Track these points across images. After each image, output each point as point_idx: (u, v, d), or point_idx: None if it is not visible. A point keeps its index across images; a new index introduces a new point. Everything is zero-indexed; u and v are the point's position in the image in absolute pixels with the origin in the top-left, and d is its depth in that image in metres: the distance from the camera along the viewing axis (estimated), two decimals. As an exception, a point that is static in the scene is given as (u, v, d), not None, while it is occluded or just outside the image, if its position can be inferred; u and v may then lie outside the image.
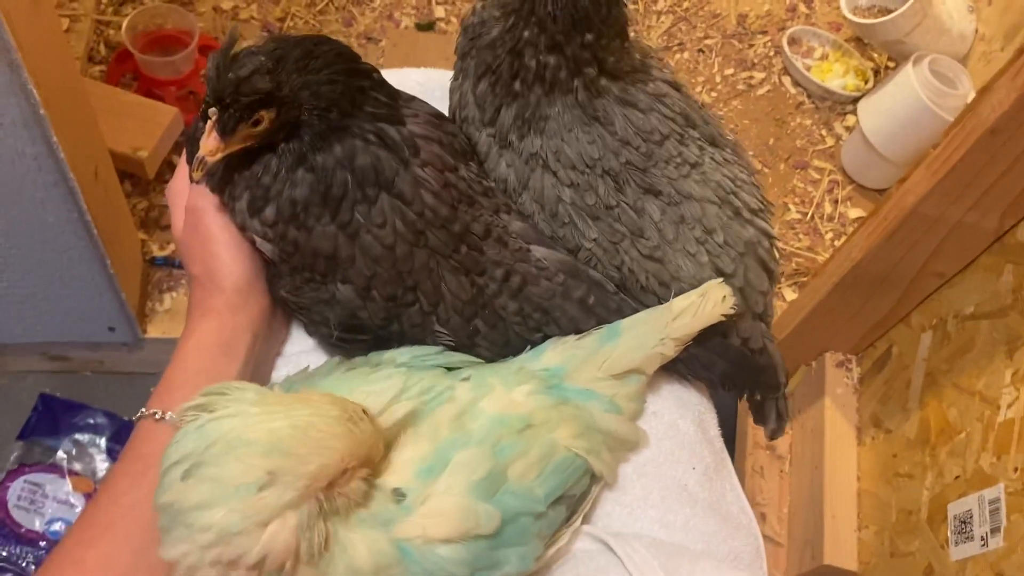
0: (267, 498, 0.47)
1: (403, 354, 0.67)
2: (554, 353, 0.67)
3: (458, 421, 0.60)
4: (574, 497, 0.65)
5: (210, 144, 0.57)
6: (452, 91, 0.72)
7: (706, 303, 0.67)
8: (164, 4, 1.75)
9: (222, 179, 0.63)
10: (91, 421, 1.51)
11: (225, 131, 0.56)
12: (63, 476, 1.46)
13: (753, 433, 1.52)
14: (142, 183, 1.62)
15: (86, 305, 1.35)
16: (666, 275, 0.69)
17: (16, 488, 1.44)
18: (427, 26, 1.97)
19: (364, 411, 0.53)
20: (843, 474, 1.37)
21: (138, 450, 0.62)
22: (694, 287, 0.69)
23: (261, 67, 0.56)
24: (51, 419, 1.50)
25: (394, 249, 0.63)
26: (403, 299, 0.65)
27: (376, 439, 0.53)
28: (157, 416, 0.62)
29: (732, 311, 0.68)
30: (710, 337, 0.69)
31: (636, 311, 0.69)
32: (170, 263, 1.57)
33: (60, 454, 1.47)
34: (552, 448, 0.63)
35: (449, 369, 0.67)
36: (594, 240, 0.68)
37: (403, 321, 0.66)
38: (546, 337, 0.70)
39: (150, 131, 1.53)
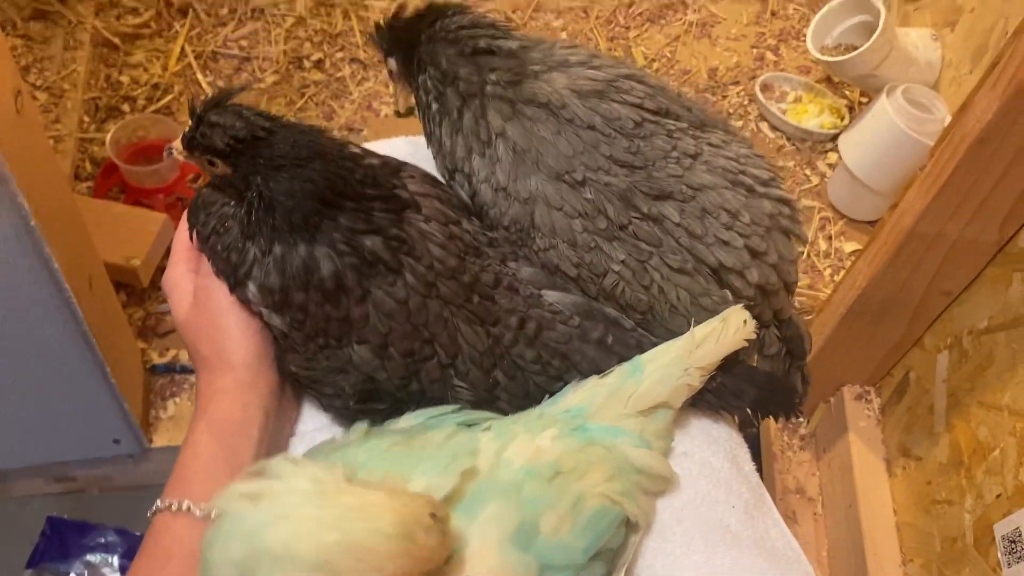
0: None
1: (418, 417, 0.65)
2: (575, 394, 0.65)
3: (486, 473, 0.58)
4: (611, 551, 0.63)
5: (178, 144, 0.61)
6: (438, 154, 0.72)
7: (727, 328, 0.66)
8: (146, 115, 1.78)
9: (229, 261, 0.63)
10: (102, 540, 1.46)
11: (186, 145, 0.61)
12: (76, 601, 1.40)
13: (781, 479, 1.49)
14: (137, 292, 1.61)
15: (89, 419, 1.32)
16: (699, 286, 0.68)
17: (29, 619, 1.39)
18: (407, 112, 2.00)
19: (434, 515, 0.49)
20: (879, 509, 1.33)
21: (156, 544, 0.59)
22: (739, 274, 0.68)
23: (230, 129, 0.58)
24: (60, 542, 1.46)
25: (407, 303, 0.62)
26: (421, 353, 0.63)
27: (440, 547, 0.49)
28: (174, 508, 0.60)
29: (754, 335, 0.67)
30: (736, 364, 0.68)
31: (656, 344, 0.67)
32: (171, 369, 1.54)
33: (72, 578, 1.42)
34: (583, 497, 0.60)
35: (469, 427, 0.65)
36: (622, 262, 0.67)
37: (422, 378, 0.64)
38: (566, 383, 0.68)
39: (141, 240, 1.54)
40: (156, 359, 1.56)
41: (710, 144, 0.70)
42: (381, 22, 0.73)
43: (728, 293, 0.70)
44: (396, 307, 0.62)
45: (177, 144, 0.61)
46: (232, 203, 0.61)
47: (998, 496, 1.07)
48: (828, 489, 1.45)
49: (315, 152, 0.59)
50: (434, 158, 0.74)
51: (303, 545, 0.45)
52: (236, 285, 0.62)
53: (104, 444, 1.39)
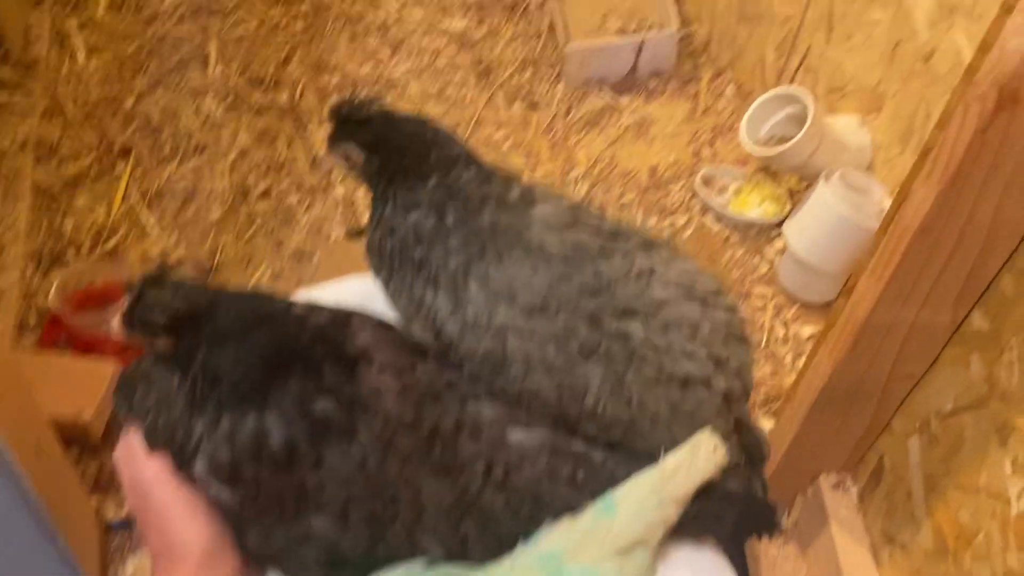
0: None
1: None
2: (549, 537, 0.63)
3: None
4: None
5: (116, 322, 0.58)
6: (396, 298, 0.71)
7: (698, 457, 0.64)
8: (92, 261, 1.75)
9: (174, 439, 0.60)
10: None
11: (125, 324, 0.58)
12: None
13: (767, 578, 1.45)
14: (90, 445, 1.55)
15: (42, 590, 1.25)
16: (676, 393, 0.67)
17: None
18: (357, 233, 2.00)
19: None
20: (871, 602, 1.30)
21: None
22: (705, 386, 0.68)
23: (170, 306, 0.56)
24: None
25: (365, 464, 0.60)
26: (384, 515, 0.61)
27: None
28: None
29: (725, 461, 0.66)
30: (713, 488, 0.66)
31: (628, 474, 0.65)
32: (129, 524, 1.48)
33: None
34: None
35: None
36: (599, 380, 0.66)
37: (389, 540, 0.61)
38: (539, 526, 0.65)
39: (91, 391, 1.49)
40: (113, 514, 1.50)
41: (660, 261, 0.72)
42: (365, 112, 0.69)
43: (705, 393, 0.69)
44: (353, 470, 0.59)
45: (115, 323, 0.59)
46: (174, 377, 0.59)
47: (989, 582, 1.05)
48: (817, 584, 1.42)
49: (259, 318, 0.58)
50: (389, 296, 0.72)
51: None
52: (183, 464, 0.59)
53: (60, 614, 1.31)
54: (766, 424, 1.71)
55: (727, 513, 0.68)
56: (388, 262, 0.71)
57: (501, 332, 0.65)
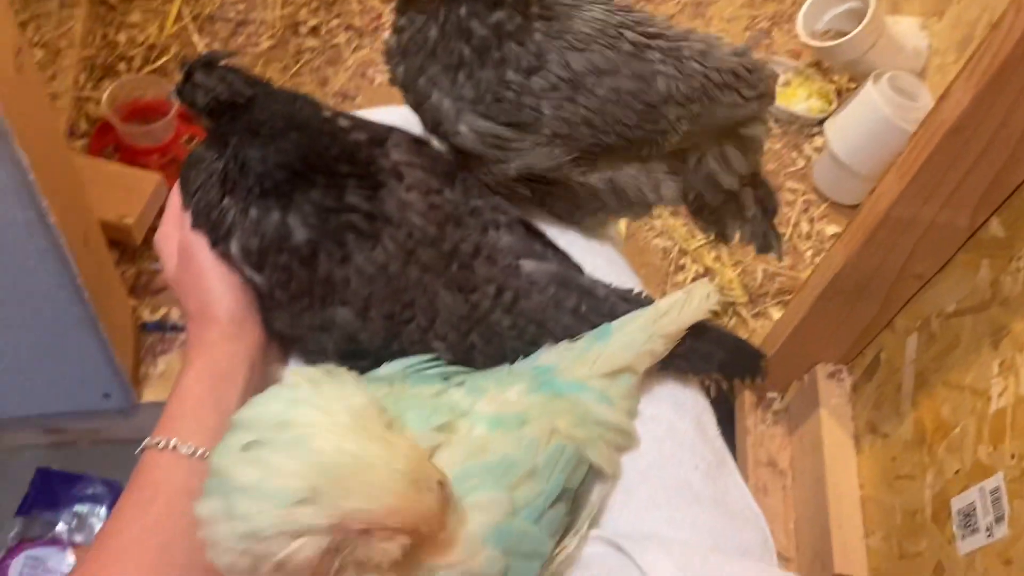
0: (299, 514, 0.47)
1: (398, 365, 0.68)
2: (546, 355, 0.69)
3: (467, 444, 0.60)
4: (571, 491, 0.64)
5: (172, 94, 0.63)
6: (427, 113, 0.73)
7: (691, 300, 0.69)
8: (142, 76, 1.79)
9: (210, 218, 0.65)
10: (90, 491, 1.50)
11: (176, 96, 0.63)
12: (64, 548, 1.44)
13: (754, 453, 1.53)
14: (130, 250, 1.64)
15: (80, 373, 1.35)
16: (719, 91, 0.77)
17: (18, 565, 1.42)
18: None
19: (441, 483, 0.51)
20: (845, 483, 1.38)
21: (144, 478, 0.63)
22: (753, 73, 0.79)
23: (212, 91, 0.61)
24: (50, 492, 1.49)
25: (387, 268, 0.65)
26: (401, 316, 0.66)
27: (435, 516, 0.51)
28: (161, 445, 0.63)
29: (716, 308, 0.71)
30: (707, 330, 0.71)
31: (627, 311, 0.71)
32: (162, 327, 1.57)
33: (61, 527, 1.46)
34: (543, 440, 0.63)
35: (445, 378, 0.68)
36: (661, 61, 0.73)
37: (403, 339, 0.67)
38: (540, 346, 0.71)
39: (135, 198, 1.56)
40: (147, 317, 1.59)
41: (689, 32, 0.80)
42: None
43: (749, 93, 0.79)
44: (376, 271, 0.64)
45: (174, 91, 0.63)
46: (216, 160, 0.64)
47: (957, 472, 1.12)
48: (798, 464, 1.50)
49: (292, 124, 0.61)
50: (441, 97, 0.70)
51: (323, 440, 0.48)
52: (218, 241, 0.65)
53: (94, 398, 1.42)
54: (776, 314, 1.76)
55: (715, 352, 0.73)
56: (454, 66, 0.68)
57: (565, 67, 0.69)
